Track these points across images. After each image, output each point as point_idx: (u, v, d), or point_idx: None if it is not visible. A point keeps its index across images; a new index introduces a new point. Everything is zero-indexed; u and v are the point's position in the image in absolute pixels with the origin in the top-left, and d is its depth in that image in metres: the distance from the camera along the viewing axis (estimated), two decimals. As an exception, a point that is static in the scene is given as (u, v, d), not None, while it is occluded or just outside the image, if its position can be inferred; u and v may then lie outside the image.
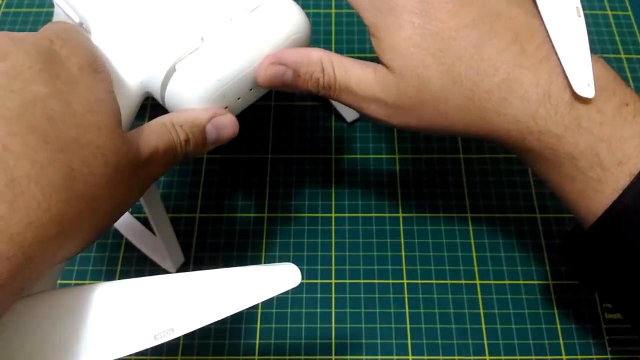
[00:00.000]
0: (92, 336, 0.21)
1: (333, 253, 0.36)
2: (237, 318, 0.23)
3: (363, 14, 0.27)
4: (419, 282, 0.35)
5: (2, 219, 0.18)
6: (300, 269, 0.24)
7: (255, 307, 0.26)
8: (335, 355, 0.33)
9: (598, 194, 0.24)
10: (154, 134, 0.25)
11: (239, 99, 0.27)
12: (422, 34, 0.25)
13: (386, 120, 0.27)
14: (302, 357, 0.33)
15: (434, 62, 0.25)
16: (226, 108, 0.27)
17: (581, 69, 0.24)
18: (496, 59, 0.25)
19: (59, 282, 0.33)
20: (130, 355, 0.21)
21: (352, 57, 0.28)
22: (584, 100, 0.24)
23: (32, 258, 0.19)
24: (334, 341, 0.33)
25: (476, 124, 0.26)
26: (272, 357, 0.33)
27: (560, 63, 0.25)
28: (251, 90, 0.28)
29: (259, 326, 0.34)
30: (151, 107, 0.40)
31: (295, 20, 0.28)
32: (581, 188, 0.25)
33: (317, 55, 0.27)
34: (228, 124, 0.27)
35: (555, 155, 0.25)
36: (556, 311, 0.34)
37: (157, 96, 0.27)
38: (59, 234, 0.20)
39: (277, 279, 0.23)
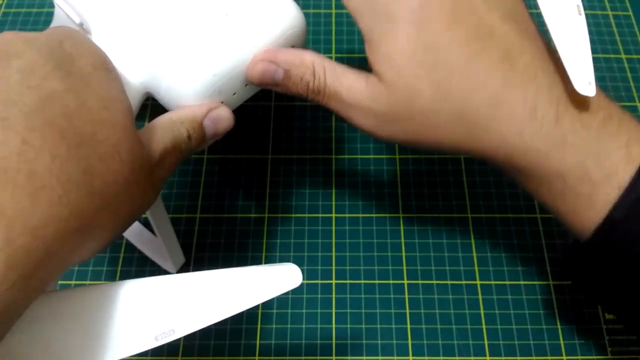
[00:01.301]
0: (92, 337, 0.21)
1: (333, 253, 0.36)
2: (237, 318, 0.23)
3: (359, 18, 0.27)
4: (419, 282, 0.35)
5: (24, 211, 0.18)
6: (301, 269, 0.24)
7: (256, 307, 0.26)
8: (336, 355, 0.33)
9: (589, 210, 0.24)
10: (161, 133, 0.25)
11: (234, 94, 0.28)
12: (416, 45, 0.25)
13: (373, 132, 0.27)
14: (303, 358, 0.33)
15: (426, 75, 0.25)
16: (222, 103, 0.27)
17: (582, 67, 0.24)
18: (486, 75, 0.24)
19: (60, 282, 0.33)
20: (131, 356, 0.21)
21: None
22: (570, 116, 0.24)
23: (53, 253, 0.19)
24: (334, 341, 0.33)
25: (464, 140, 0.25)
26: (272, 358, 0.33)
27: (547, 82, 0.24)
28: (246, 85, 0.28)
29: (259, 326, 0.34)
30: (151, 107, 0.40)
31: (290, 15, 0.28)
32: (572, 205, 0.25)
33: (310, 58, 0.27)
34: (223, 116, 0.27)
35: (544, 173, 0.25)
36: (556, 311, 0.34)
37: (157, 96, 0.27)
38: (78, 230, 0.20)
39: (278, 279, 0.23)
